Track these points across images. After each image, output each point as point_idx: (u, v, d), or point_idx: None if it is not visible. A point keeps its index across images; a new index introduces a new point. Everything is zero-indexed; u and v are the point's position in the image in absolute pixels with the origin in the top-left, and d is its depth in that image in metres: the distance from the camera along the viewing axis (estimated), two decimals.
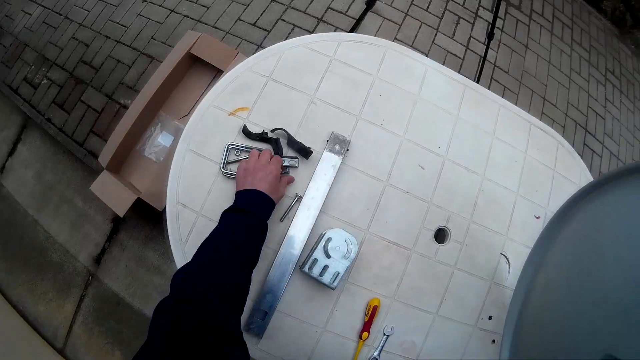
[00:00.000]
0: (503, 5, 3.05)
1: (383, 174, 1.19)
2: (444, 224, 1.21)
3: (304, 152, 1.15)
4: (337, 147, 1.16)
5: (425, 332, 1.16)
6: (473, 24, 2.81)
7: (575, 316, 0.79)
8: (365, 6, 2.04)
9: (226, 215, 0.92)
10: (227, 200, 1.11)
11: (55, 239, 2.42)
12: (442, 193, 1.21)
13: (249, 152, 1.14)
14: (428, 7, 2.74)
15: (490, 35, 2.04)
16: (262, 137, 1.15)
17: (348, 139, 1.17)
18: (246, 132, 1.15)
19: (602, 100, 3.18)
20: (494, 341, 1.20)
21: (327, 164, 1.15)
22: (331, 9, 2.58)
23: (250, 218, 0.91)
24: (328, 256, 1.07)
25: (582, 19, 3.62)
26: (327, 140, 1.17)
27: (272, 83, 1.20)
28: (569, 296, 0.84)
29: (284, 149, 1.16)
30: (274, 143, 1.15)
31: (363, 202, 1.16)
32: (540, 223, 1.29)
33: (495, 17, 1.93)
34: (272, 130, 1.16)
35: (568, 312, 0.82)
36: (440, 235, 1.23)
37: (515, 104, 1.39)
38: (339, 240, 1.08)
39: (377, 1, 2.57)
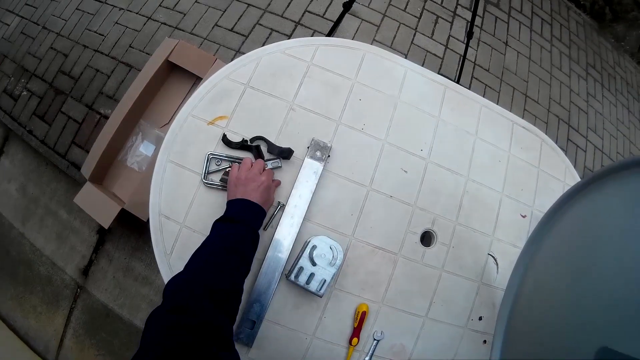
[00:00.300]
0: (482, 3, 3.06)
1: (366, 179, 1.19)
2: (429, 227, 1.21)
3: (286, 153, 1.14)
4: (318, 153, 1.15)
5: (415, 336, 1.16)
6: (452, 23, 2.83)
7: (568, 312, 0.80)
8: (342, 9, 2.04)
9: (218, 224, 0.93)
10: (211, 210, 1.10)
11: (42, 252, 2.39)
12: (426, 196, 1.21)
13: (230, 161, 1.14)
14: (406, 7, 2.75)
15: (469, 34, 2.05)
16: (242, 146, 1.15)
17: (329, 145, 1.17)
18: (226, 141, 1.15)
19: (584, 94, 3.22)
20: (485, 341, 1.21)
21: (308, 171, 1.14)
22: (309, 12, 2.58)
23: (241, 227, 0.91)
24: (314, 264, 1.06)
25: (561, 14, 3.66)
26: (308, 147, 1.17)
27: (250, 90, 1.19)
28: (560, 293, 0.85)
29: (265, 156, 1.15)
30: (255, 151, 1.14)
31: (347, 207, 1.16)
32: (527, 222, 1.30)
33: (474, 15, 1.94)
34: (252, 139, 1.15)
35: (560, 309, 0.83)
36: (426, 238, 1.22)
37: (497, 102, 1.40)
38: (324, 248, 1.08)
39: (355, 3, 2.57)
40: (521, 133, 1.38)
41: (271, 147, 1.15)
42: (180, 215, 1.10)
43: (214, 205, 1.11)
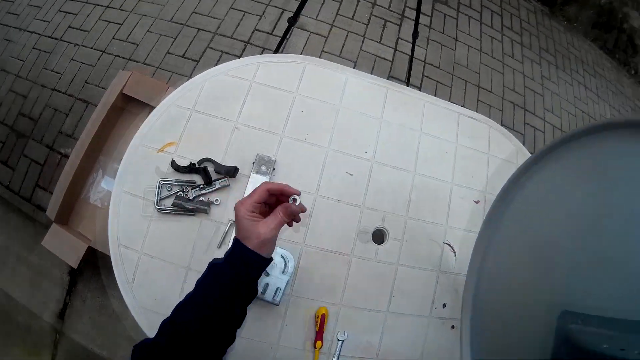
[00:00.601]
0: (430, 2, 3.16)
1: (312, 187, 1.23)
2: (380, 225, 1.25)
3: (232, 171, 1.18)
4: (263, 167, 1.20)
5: (379, 331, 1.20)
6: (400, 25, 2.91)
7: (529, 284, 0.85)
8: (287, 24, 2.10)
9: (212, 268, 0.81)
10: (166, 235, 1.14)
11: (18, 301, 2.38)
12: (373, 195, 1.26)
13: (180, 185, 1.18)
14: (353, 15, 2.83)
15: (415, 35, 2.12)
16: (190, 169, 1.19)
17: (273, 158, 1.21)
18: (175, 167, 1.19)
19: (539, 78, 3.33)
20: (453, 327, 1.25)
21: (255, 186, 1.18)
22: (257, 30, 2.64)
23: (231, 277, 0.77)
24: (267, 274, 1.10)
25: (512, 4, 3.79)
26: (253, 163, 1.21)
27: (196, 115, 1.24)
28: (520, 267, 0.89)
29: (213, 176, 1.19)
30: (203, 172, 1.18)
31: None
32: (481, 206, 1.35)
33: (418, 15, 2.01)
34: (200, 162, 1.19)
35: (521, 282, 0.88)
36: (379, 236, 1.27)
37: (449, 97, 1.46)
38: (275, 258, 1.12)
39: (303, 16, 2.63)
40: (468, 123, 1.44)
41: (218, 167, 1.19)
42: (137, 244, 1.13)
43: (168, 230, 1.14)
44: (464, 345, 0.99)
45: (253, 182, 1.19)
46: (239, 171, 1.20)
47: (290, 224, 0.87)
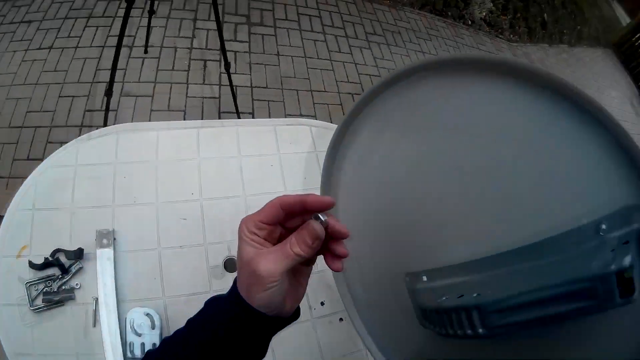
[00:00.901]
0: (245, 28, 3.58)
1: (153, 243, 1.38)
2: (228, 255, 1.42)
3: (79, 253, 1.35)
4: (104, 241, 1.36)
5: (269, 352, 1.27)
6: (220, 61, 3.27)
7: (376, 249, 0.97)
8: (106, 97, 2.37)
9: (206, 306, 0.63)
10: (52, 331, 1.24)
11: None
12: (212, 230, 1.42)
13: (44, 281, 1.30)
14: (173, 66, 3.15)
15: (226, 66, 2.45)
16: (46, 264, 1.32)
17: (111, 229, 1.37)
18: (33, 266, 1.31)
19: (371, 61, 3.87)
20: (341, 319, 1.38)
21: (102, 260, 1.33)
22: (88, 110, 2.85)
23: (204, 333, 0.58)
24: (138, 334, 1.27)
25: (329, 2, 4.33)
26: (95, 239, 1.36)
27: (37, 213, 1.37)
28: (363, 231, 0.98)
29: (67, 263, 1.34)
30: (57, 263, 1.33)
31: (148, 274, 1.34)
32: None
33: (223, 49, 2.34)
34: (51, 254, 1.33)
35: (369, 248, 0.99)
36: (231, 265, 1.42)
37: (284, 112, 1.68)
38: (141, 317, 1.29)
39: (127, 83, 2.92)
40: (286, 131, 1.63)
41: (68, 254, 1.35)
42: (29, 347, 1.23)
43: (52, 326, 1.25)
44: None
45: (100, 257, 1.33)
46: (85, 251, 1.34)
47: (309, 260, 0.60)
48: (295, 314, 0.63)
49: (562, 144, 0.58)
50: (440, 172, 0.75)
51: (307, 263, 0.61)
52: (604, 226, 0.56)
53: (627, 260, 0.52)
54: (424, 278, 0.81)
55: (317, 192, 1.37)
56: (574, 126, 0.57)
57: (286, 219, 0.58)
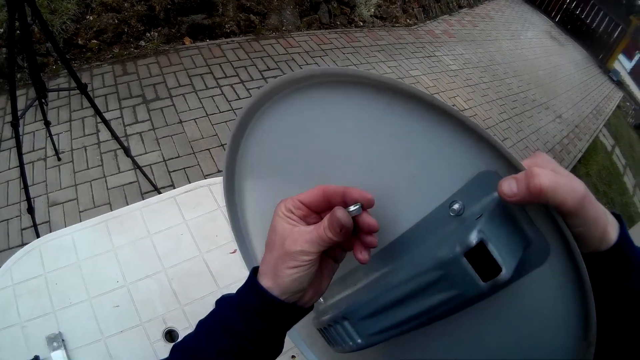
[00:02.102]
0: (143, 107, 4.01)
1: (97, 334, 1.44)
2: (165, 327, 1.48)
3: None
4: (55, 344, 1.42)
5: None
6: (128, 145, 3.64)
7: None
8: (30, 214, 2.68)
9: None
10: None
11: None
12: (145, 309, 1.50)
13: None
14: (87, 165, 3.49)
15: (127, 153, 2.81)
16: None
17: (57, 332, 1.42)
18: None
19: None
20: (294, 356, 1.38)
21: None
22: (24, 229, 3.08)
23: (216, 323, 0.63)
24: None
25: (215, 55, 4.82)
26: (47, 345, 1.41)
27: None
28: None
29: None
30: None
31: None
32: (238, 255, 1.46)
33: (116, 138, 2.69)
34: None
35: None
36: (171, 336, 1.48)
37: (202, 173, 1.85)
38: None
39: (51, 193, 3.23)
40: (187, 197, 1.71)
41: None
42: None
43: None
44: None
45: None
46: (40, 357, 1.36)
47: (338, 257, 0.67)
48: (311, 307, 0.66)
49: (416, 140, 0.57)
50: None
51: (335, 259, 0.66)
52: (456, 205, 0.55)
53: (472, 238, 0.47)
54: (321, 299, 0.81)
55: (231, 249, 1.58)
56: (421, 123, 0.55)
57: (325, 207, 0.62)
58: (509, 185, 0.47)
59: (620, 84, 15.26)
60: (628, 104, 15.87)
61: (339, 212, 0.57)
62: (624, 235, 0.52)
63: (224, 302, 0.64)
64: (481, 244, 0.47)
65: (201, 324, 0.64)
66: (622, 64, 17.19)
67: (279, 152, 0.79)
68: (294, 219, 0.61)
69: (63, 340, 1.37)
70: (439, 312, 0.55)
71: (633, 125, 15.29)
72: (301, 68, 4.92)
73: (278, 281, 0.59)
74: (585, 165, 8.06)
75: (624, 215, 7.37)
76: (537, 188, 0.45)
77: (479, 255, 0.47)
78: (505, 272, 0.46)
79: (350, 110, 0.62)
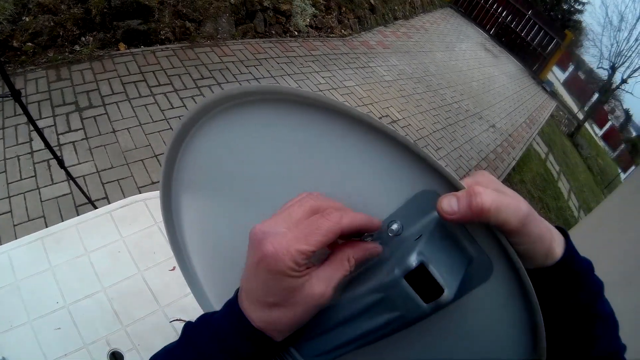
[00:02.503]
0: (76, 115, 4.09)
1: (40, 358, 1.40)
2: (109, 349, 1.40)
3: None
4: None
5: None
6: (48, 162, 3.65)
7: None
8: None
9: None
10: None
11: None
12: (88, 331, 1.40)
13: None
14: (21, 176, 3.46)
15: (60, 164, 2.81)
16: None
17: (1, 357, 1.31)
18: None
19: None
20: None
21: None
22: None
23: None
24: None
25: (149, 62, 5.00)
26: None
27: None
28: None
29: None
30: None
31: None
32: (178, 272, 1.32)
33: (49, 147, 2.71)
34: None
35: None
36: (116, 356, 1.41)
37: (136, 185, 1.90)
38: None
39: None
40: (122, 213, 1.69)
41: None
42: None
43: None
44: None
45: None
46: None
47: None
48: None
49: (354, 160, 0.56)
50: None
51: None
52: (394, 226, 0.55)
53: (412, 260, 0.46)
54: None
55: (171, 266, 1.55)
56: (359, 143, 0.55)
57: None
58: (449, 203, 0.48)
59: (554, 94, 16.22)
60: (561, 113, 16.89)
61: (368, 245, 0.56)
62: (569, 250, 0.54)
63: (202, 339, 0.56)
64: (422, 266, 0.47)
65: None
66: (556, 75, 18.22)
67: (216, 168, 0.78)
68: (307, 271, 0.52)
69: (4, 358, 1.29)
70: (384, 332, 0.53)
71: (566, 134, 16.25)
72: (235, 77, 5.19)
73: (279, 324, 0.54)
74: (520, 173, 8.59)
75: (560, 219, 7.98)
76: (478, 207, 0.46)
77: (420, 276, 0.47)
78: (447, 293, 0.46)
79: (289, 129, 0.63)
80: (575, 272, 0.54)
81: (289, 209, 0.54)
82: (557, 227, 0.56)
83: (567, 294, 0.54)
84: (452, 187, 0.50)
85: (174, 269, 1.56)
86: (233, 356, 0.53)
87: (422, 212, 0.54)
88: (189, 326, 0.58)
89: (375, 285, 0.52)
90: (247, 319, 0.53)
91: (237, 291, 0.58)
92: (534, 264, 0.52)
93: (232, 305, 0.56)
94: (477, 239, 0.52)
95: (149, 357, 0.57)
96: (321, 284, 0.52)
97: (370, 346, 0.57)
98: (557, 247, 0.52)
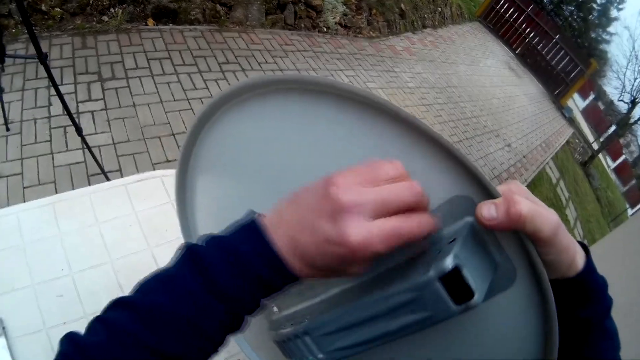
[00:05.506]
0: (98, 85, 4.07)
1: (39, 325, 1.33)
2: None
3: None
4: None
5: None
6: (78, 121, 3.60)
7: None
8: None
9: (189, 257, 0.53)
10: None
11: None
12: (89, 301, 1.39)
13: None
14: (36, 139, 3.48)
15: (78, 132, 2.85)
16: None
17: None
18: None
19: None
20: None
21: None
22: None
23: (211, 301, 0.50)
24: None
25: (177, 41, 4.97)
26: None
27: None
28: None
29: None
30: None
31: (42, 357, 1.27)
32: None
33: (70, 115, 2.77)
34: None
35: None
36: None
37: (151, 161, 1.88)
38: None
39: None
40: (138, 187, 1.67)
41: None
42: None
43: None
44: None
45: None
46: None
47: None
48: None
49: (390, 158, 0.53)
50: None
51: None
52: None
53: (448, 263, 0.46)
54: (274, 309, 0.80)
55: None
56: (397, 141, 0.54)
57: None
58: (489, 210, 0.48)
59: (571, 121, 16.13)
60: (577, 140, 16.80)
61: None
62: (589, 264, 0.55)
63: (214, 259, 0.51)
64: (456, 269, 0.47)
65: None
66: (576, 103, 18.13)
67: (237, 154, 0.77)
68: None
69: (4, 327, 1.28)
70: (407, 332, 0.54)
71: (579, 162, 16.16)
72: (260, 66, 5.15)
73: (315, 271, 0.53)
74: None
75: None
76: (517, 215, 0.47)
77: (451, 278, 0.47)
78: (477, 297, 0.47)
79: (319, 119, 0.62)
80: (593, 286, 0.56)
81: (388, 189, 0.50)
82: (580, 243, 0.57)
83: (583, 305, 0.56)
84: (488, 193, 0.51)
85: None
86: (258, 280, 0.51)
87: (455, 215, 0.54)
88: (201, 255, 0.51)
89: (408, 286, 0.52)
90: (285, 263, 0.51)
91: (254, 221, 0.53)
92: (556, 274, 0.53)
93: (267, 249, 0.51)
94: (505, 246, 0.52)
95: (139, 281, 0.53)
96: (370, 227, 0.48)
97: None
98: (580, 259, 0.54)
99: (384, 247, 0.48)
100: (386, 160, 0.52)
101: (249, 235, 0.52)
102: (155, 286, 0.52)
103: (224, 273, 0.50)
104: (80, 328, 0.59)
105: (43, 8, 4.38)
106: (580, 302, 0.56)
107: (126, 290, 0.66)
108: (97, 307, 1.15)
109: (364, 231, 0.47)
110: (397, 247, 0.49)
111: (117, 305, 0.52)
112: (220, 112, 0.74)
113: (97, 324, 0.52)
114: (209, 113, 0.75)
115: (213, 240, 0.53)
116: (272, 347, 0.77)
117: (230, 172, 0.81)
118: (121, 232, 1.54)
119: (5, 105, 3.28)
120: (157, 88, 4.32)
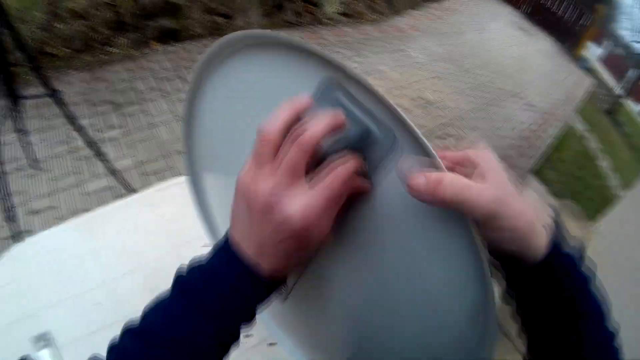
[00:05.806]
0: (114, 113, 4.15)
1: (83, 331, 1.39)
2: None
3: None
4: (42, 343, 1.34)
5: None
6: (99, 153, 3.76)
7: None
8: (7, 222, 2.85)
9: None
10: None
11: None
12: (125, 305, 1.41)
13: None
14: (64, 172, 3.56)
15: (101, 158, 2.94)
16: None
17: (43, 331, 1.37)
18: None
19: None
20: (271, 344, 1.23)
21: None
22: (3, 238, 3.20)
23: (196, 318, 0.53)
24: None
25: (182, 57, 4.95)
26: (34, 346, 1.36)
27: None
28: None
29: None
30: None
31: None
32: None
33: (89, 142, 2.85)
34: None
35: None
36: None
37: (176, 174, 1.85)
38: None
39: (30, 202, 3.40)
40: (159, 196, 1.79)
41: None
42: None
43: None
44: None
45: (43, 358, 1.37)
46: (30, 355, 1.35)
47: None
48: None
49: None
50: None
51: None
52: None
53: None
54: None
55: (203, 242, 1.32)
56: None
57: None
58: (417, 182, 0.48)
59: (590, 71, 15.72)
60: (599, 90, 16.37)
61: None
62: (554, 246, 0.54)
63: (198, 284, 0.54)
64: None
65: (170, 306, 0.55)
66: (592, 52, 17.67)
67: (230, 118, 0.78)
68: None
69: (49, 339, 1.35)
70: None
71: (605, 111, 15.78)
72: None
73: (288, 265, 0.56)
74: (559, 151, 8.32)
75: (600, 197, 7.68)
76: (439, 197, 0.47)
77: None
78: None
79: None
80: (557, 271, 0.54)
81: (284, 160, 0.52)
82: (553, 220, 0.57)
83: (550, 294, 0.55)
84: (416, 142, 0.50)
85: (205, 245, 1.59)
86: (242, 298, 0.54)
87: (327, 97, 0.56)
88: (184, 280, 0.56)
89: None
90: (254, 268, 0.54)
91: (227, 238, 0.57)
92: (516, 255, 0.53)
93: (233, 257, 0.55)
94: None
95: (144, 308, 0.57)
96: (303, 198, 0.51)
97: (318, 276, 0.64)
98: (539, 244, 0.53)
99: (323, 200, 0.52)
100: (260, 131, 0.54)
101: (220, 254, 0.56)
102: (154, 312, 0.56)
103: (202, 291, 0.53)
104: (116, 332, 0.68)
105: (49, 51, 4.50)
106: (548, 290, 0.55)
107: (155, 292, 0.72)
108: (134, 310, 1.35)
109: (295, 202, 0.51)
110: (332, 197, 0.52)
111: (126, 334, 0.56)
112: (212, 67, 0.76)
113: (111, 355, 0.56)
114: (198, 77, 0.77)
115: (194, 264, 0.56)
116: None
117: (226, 159, 0.83)
118: (148, 239, 1.62)
119: (29, 147, 3.35)
120: (171, 106, 4.38)
